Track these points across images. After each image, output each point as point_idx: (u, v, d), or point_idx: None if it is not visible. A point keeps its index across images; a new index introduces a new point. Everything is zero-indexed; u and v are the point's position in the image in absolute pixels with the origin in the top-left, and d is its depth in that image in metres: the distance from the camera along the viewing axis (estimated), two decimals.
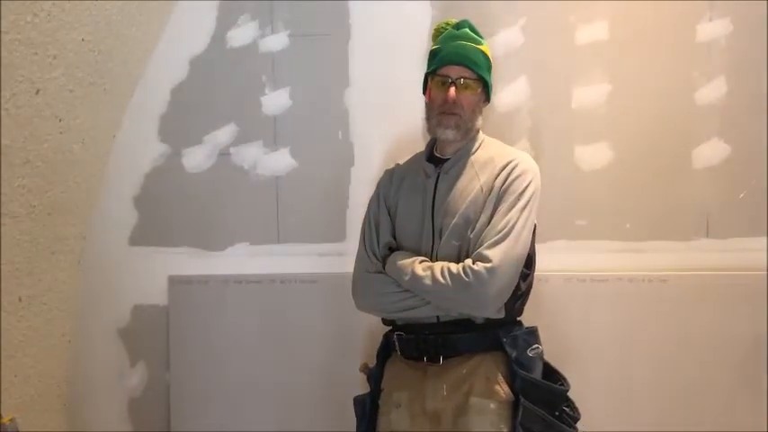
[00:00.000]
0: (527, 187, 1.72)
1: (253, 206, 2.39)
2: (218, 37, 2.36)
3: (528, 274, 1.78)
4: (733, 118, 2.25)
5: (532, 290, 1.83)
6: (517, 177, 1.73)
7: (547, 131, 2.30)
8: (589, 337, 2.22)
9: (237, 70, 2.37)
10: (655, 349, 2.20)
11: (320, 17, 2.35)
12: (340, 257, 2.35)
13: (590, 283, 2.25)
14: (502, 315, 1.70)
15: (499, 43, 2.30)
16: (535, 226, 1.77)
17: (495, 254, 1.63)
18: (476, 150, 1.83)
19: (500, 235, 1.65)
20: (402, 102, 2.31)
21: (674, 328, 2.20)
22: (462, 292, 1.62)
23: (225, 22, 2.36)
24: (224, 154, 2.39)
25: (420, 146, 2.28)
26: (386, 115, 2.35)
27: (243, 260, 2.40)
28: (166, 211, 2.40)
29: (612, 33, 2.28)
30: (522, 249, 1.68)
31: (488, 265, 1.61)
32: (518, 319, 1.82)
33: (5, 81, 1.65)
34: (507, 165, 1.75)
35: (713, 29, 2.26)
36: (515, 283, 1.70)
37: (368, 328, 2.23)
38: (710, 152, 2.26)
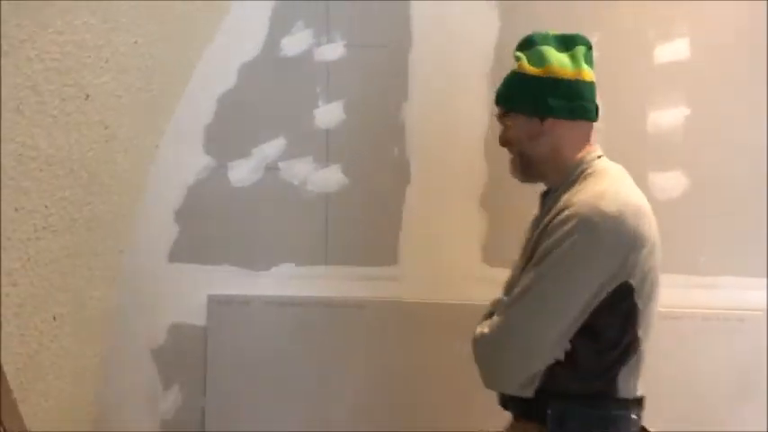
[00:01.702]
0: (562, 243, 1.35)
1: (300, 224, 2.25)
2: (271, 44, 2.23)
3: (597, 347, 1.37)
4: None
5: None
6: (557, 228, 1.37)
7: (620, 155, 2.16)
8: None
9: (290, 80, 2.24)
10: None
11: (379, 27, 2.22)
12: (391, 282, 2.21)
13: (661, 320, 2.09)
14: (529, 394, 1.38)
15: None
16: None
17: (493, 323, 1.41)
18: (562, 188, 1.48)
19: (508, 299, 1.42)
20: (463, 118, 2.18)
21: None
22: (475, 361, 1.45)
23: (279, 28, 2.23)
24: (272, 168, 2.25)
25: (481, 165, 2.17)
26: (445, 132, 2.22)
27: (287, 281, 2.26)
28: (209, 226, 2.27)
29: (693, 52, 2.14)
30: (542, 320, 1.36)
31: (478, 335, 1.43)
32: (610, 393, 1.40)
33: (56, 86, 1.52)
34: (561, 211, 1.40)
35: None
36: (538, 359, 1.36)
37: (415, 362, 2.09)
38: None
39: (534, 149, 1.52)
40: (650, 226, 1.41)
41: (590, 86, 1.52)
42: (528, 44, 1.54)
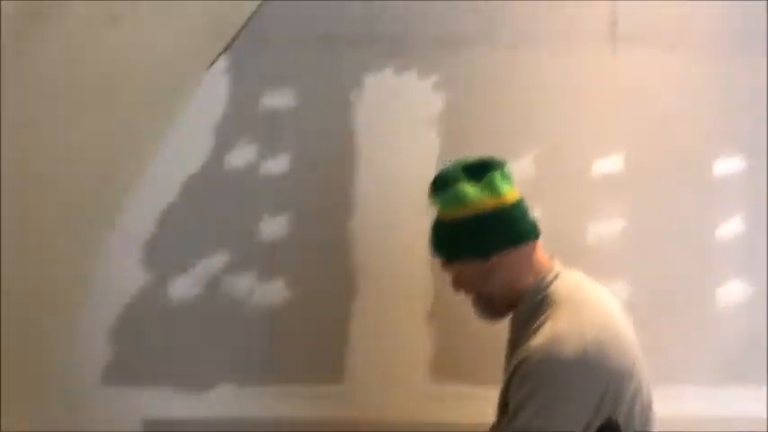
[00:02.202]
0: (528, 403, 1.29)
1: (243, 341, 2.17)
2: (216, 158, 2.20)
3: None
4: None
5: None
6: (520, 384, 1.32)
7: None
8: None
9: (234, 194, 2.20)
10: None
11: (325, 142, 2.23)
12: (338, 401, 2.14)
13: None
14: None
15: None
16: None
17: None
18: (526, 313, 1.45)
19: None
20: (408, 233, 2.18)
21: None
22: None
23: (224, 143, 2.21)
24: (214, 283, 2.18)
25: (427, 280, 2.15)
26: (391, 247, 2.20)
27: (229, 402, 2.15)
28: (146, 345, 2.16)
29: (629, 166, 2.22)
30: None
31: None
32: None
33: None
34: (523, 360, 1.34)
35: (728, 165, 2.23)
36: None
37: None
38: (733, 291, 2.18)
39: (490, 287, 1.49)
40: (624, 354, 1.34)
41: (517, 206, 1.50)
42: (441, 185, 1.51)
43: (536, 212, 2.13)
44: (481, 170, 1.49)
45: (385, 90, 2.24)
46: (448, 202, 1.49)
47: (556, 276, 1.46)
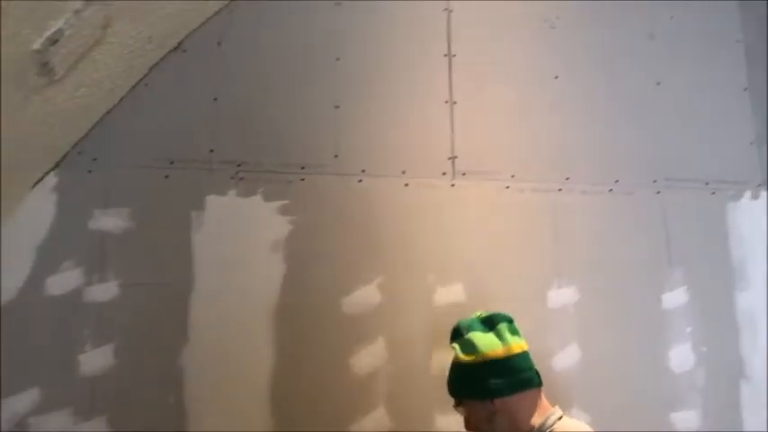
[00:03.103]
0: None
1: None
2: (35, 283, 2.02)
3: None
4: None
5: None
6: None
7: (405, 398, 2.14)
8: None
9: (53, 323, 2.01)
10: None
11: (161, 265, 2.11)
12: None
13: None
14: None
15: (355, 302, 2.18)
16: None
17: None
18: None
19: None
20: (245, 362, 2.07)
21: None
22: None
23: (45, 265, 2.03)
24: (22, 424, 1.94)
25: (266, 411, 2.04)
26: (227, 377, 2.07)
27: None
28: None
29: (469, 294, 2.25)
30: None
31: None
32: None
33: None
34: None
35: (562, 295, 2.31)
36: None
37: None
38: None
39: (495, 428, 1.59)
40: None
41: (523, 356, 1.64)
42: (457, 334, 1.68)
43: (381, 339, 2.17)
44: (492, 322, 1.68)
45: (228, 213, 2.18)
46: (464, 347, 1.64)
47: (559, 418, 1.59)
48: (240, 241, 2.17)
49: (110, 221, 2.09)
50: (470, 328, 1.67)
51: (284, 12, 2.32)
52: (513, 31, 2.50)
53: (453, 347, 1.67)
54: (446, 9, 2.45)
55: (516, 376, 1.60)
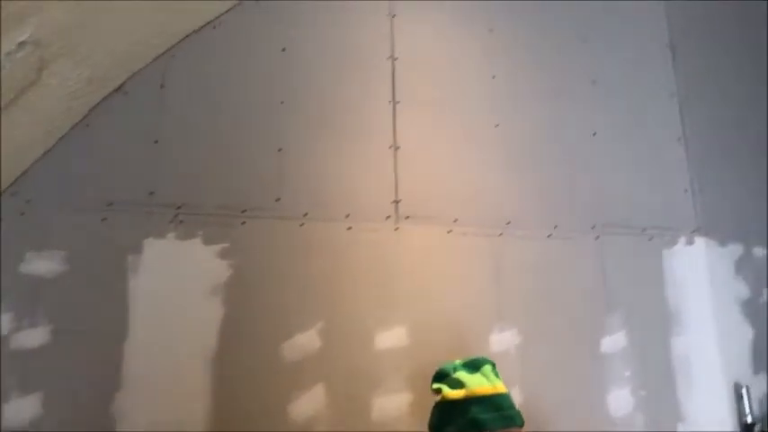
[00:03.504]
0: None
1: None
2: None
3: None
4: None
5: None
6: None
7: None
8: None
9: None
10: None
11: (95, 310, 2.06)
12: None
13: None
14: None
15: (294, 347, 2.15)
16: None
17: None
18: None
19: None
20: (183, 408, 2.02)
21: None
22: None
23: None
24: None
25: None
26: (163, 425, 2.01)
27: None
28: None
29: (411, 338, 2.25)
30: None
31: None
32: None
33: None
34: None
35: (503, 338, 2.33)
36: None
37: None
38: None
39: None
40: None
41: (508, 396, 1.66)
42: (442, 376, 1.69)
43: (320, 386, 2.14)
44: (476, 364, 1.70)
45: (166, 257, 2.14)
46: (451, 384, 1.66)
47: None
48: (178, 285, 2.14)
49: (43, 265, 2.04)
50: (456, 370, 1.70)
51: (229, 55, 2.33)
52: (457, 79, 2.56)
53: (439, 388, 1.67)
54: (391, 57, 2.49)
55: (502, 413, 1.62)
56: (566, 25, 2.76)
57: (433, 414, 1.69)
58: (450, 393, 1.65)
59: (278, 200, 2.27)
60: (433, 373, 1.72)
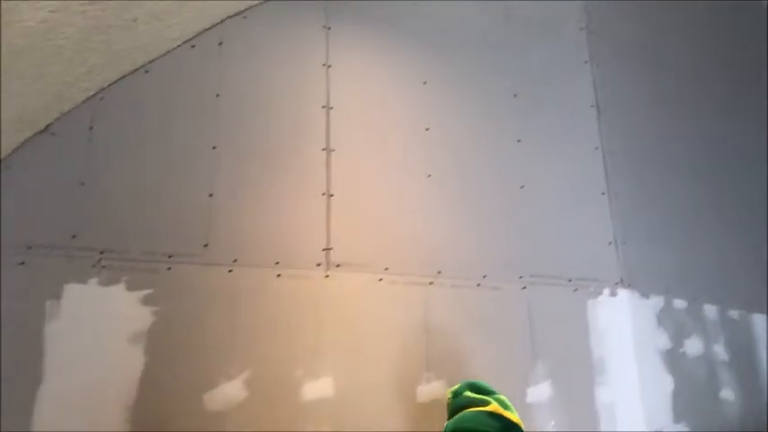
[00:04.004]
0: None
1: None
2: None
3: None
4: None
5: None
6: None
7: None
8: None
9: None
10: None
11: (6, 356, 1.97)
12: None
13: None
14: None
15: (218, 398, 2.11)
16: None
17: None
18: None
19: None
20: None
21: None
22: None
23: None
24: None
25: None
26: None
27: None
28: None
29: (338, 389, 2.23)
30: None
31: None
32: None
33: None
34: None
35: (431, 389, 2.33)
36: None
37: None
38: None
39: None
40: None
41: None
42: (484, 390, 1.81)
43: None
44: (484, 389, 1.83)
45: (87, 303, 2.08)
46: (501, 402, 1.75)
47: None
48: (98, 332, 2.07)
49: None
50: (488, 389, 1.83)
51: (160, 99, 2.32)
52: (391, 129, 2.60)
53: (498, 398, 1.77)
54: (326, 106, 2.53)
55: None
56: (498, 80, 2.86)
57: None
58: (500, 410, 1.73)
59: (206, 245, 2.24)
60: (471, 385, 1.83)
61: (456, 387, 1.88)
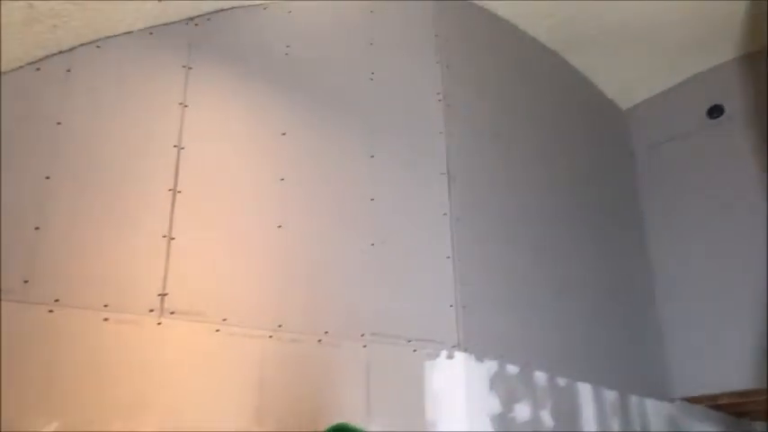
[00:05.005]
0: None
1: None
2: None
3: None
4: None
5: None
6: None
7: None
8: None
9: None
10: None
11: None
12: None
13: None
14: None
15: None
16: None
17: None
18: None
19: None
20: None
21: None
22: None
23: None
24: None
25: None
26: None
27: None
28: None
29: None
30: None
31: None
32: None
33: None
34: None
35: None
36: None
37: None
38: None
39: None
40: None
41: None
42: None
43: None
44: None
45: None
46: None
47: None
48: None
49: None
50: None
51: None
52: (244, 176, 2.57)
53: None
54: (177, 146, 2.46)
55: None
56: (357, 140, 2.92)
57: None
58: None
59: (26, 282, 2.07)
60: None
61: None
